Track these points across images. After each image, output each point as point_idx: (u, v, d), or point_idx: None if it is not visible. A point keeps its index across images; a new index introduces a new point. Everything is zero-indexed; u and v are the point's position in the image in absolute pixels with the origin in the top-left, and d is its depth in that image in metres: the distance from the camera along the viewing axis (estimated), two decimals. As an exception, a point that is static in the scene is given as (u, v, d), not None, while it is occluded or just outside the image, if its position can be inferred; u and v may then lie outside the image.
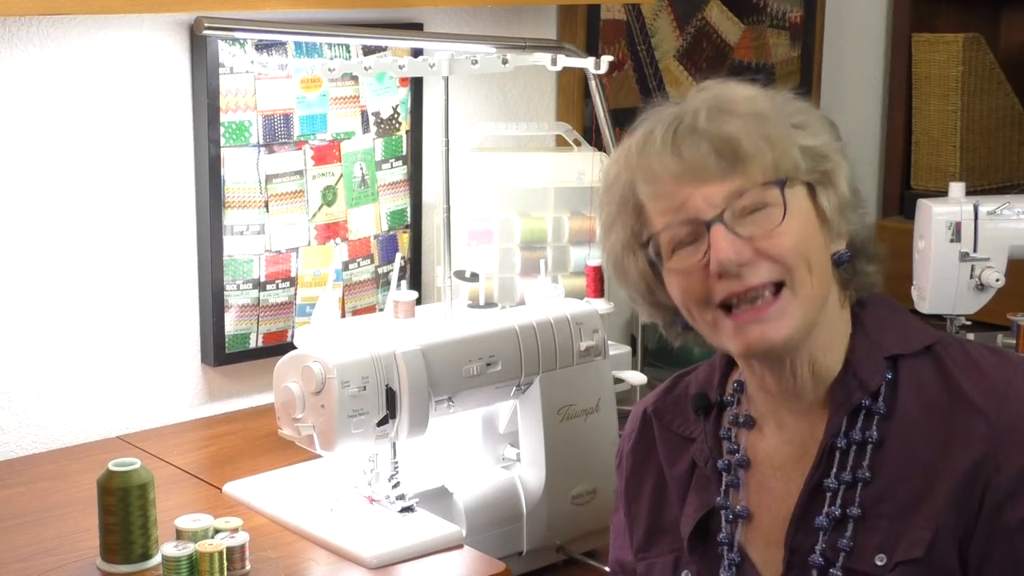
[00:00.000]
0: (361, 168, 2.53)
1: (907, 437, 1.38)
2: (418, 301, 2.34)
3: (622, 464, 1.59)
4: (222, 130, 2.33)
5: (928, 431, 1.37)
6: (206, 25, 2.20)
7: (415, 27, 2.56)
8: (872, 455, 1.38)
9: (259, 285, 2.42)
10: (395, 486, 1.88)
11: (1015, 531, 1.33)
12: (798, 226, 1.36)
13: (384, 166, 2.56)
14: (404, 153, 2.59)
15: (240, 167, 2.36)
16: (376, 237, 2.57)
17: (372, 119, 2.53)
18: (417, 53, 2.41)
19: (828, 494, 1.39)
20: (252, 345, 2.44)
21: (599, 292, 2.46)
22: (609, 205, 1.45)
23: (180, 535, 1.73)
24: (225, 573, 1.69)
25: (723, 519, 1.46)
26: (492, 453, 2.00)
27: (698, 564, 1.47)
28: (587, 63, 2.44)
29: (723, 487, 1.47)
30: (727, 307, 1.37)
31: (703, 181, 1.35)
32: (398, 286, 2.31)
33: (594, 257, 2.53)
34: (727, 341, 1.39)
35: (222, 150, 2.33)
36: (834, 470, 1.39)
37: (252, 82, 2.36)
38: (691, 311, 1.41)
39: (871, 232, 1.47)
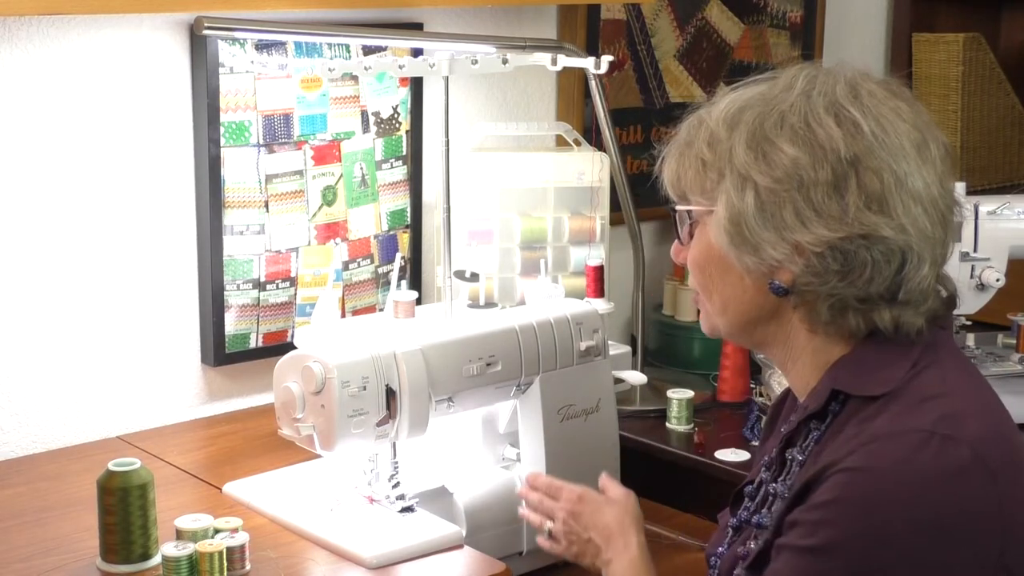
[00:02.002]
0: (361, 168, 2.53)
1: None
2: (418, 301, 2.34)
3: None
4: (222, 130, 2.33)
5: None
6: (206, 25, 2.20)
7: (415, 27, 2.56)
8: (797, 475, 1.42)
9: (259, 285, 2.42)
10: (395, 486, 1.88)
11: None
12: (698, 250, 1.46)
13: (384, 166, 2.56)
14: (404, 153, 2.59)
15: (240, 167, 2.36)
16: (376, 237, 2.57)
17: (372, 119, 2.53)
18: (417, 53, 2.41)
19: (770, 497, 1.46)
20: (252, 345, 2.44)
21: (599, 292, 2.46)
22: None
23: (180, 535, 1.73)
24: (225, 573, 1.69)
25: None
26: (492, 453, 2.00)
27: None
28: (587, 63, 2.44)
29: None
30: None
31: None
32: (398, 286, 2.31)
33: (594, 257, 2.53)
34: None
35: (222, 150, 2.33)
36: (781, 476, 1.46)
37: (252, 82, 2.35)
38: None
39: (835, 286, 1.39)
